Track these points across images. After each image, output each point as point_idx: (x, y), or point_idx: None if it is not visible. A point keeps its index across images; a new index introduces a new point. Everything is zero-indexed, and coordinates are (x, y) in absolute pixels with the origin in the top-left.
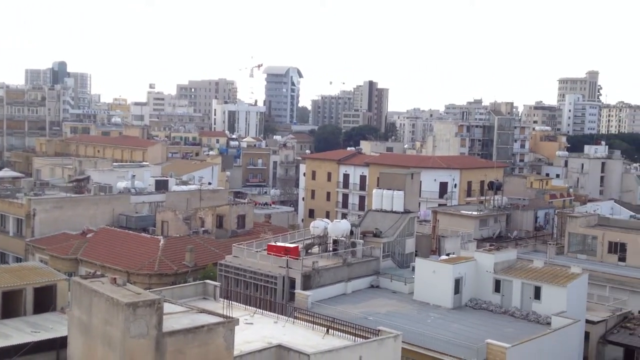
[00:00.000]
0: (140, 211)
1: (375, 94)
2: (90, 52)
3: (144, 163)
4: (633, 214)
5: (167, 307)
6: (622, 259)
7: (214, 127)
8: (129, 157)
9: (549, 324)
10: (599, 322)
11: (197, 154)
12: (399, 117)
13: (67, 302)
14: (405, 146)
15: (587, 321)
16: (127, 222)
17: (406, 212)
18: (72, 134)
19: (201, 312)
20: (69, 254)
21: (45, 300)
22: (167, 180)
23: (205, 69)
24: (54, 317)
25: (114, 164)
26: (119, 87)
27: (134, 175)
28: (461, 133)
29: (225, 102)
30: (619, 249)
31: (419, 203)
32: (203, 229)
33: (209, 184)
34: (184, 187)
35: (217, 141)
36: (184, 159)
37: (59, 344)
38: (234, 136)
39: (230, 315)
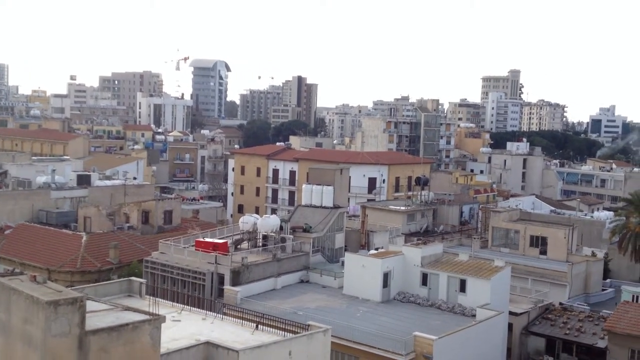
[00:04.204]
0: (62, 207)
1: (304, 89)
2: (7, 42)
3: (65, 157)
4: (553, 209)
5: (90, 305)
6: (543, 252)
7: (139, 121)
8: (48, 150)
9: (474, 316)
10: (521, 313)
11: (121, 148)
12: (328, 113)
13: None
14: (335, 142)
15: (511, 313)
16: (47, 218)
17: (335, 207)
18: None
19: (126, 310)
20: None
21: None
22: (90, 175)
23: (129, 61)
24: None
25: (33, 157)
26: (38, 79)
27: (54, 170)
28: (389, 129)
29: (151, 95)
30: (540, 243)
31: (348, 198)
32: (128, 224)
33: (134, 178)
34: (108, 182)
35: (143, 135)
36: (107, 153)
37: None
38: (160, 130)
39: (157, 313)
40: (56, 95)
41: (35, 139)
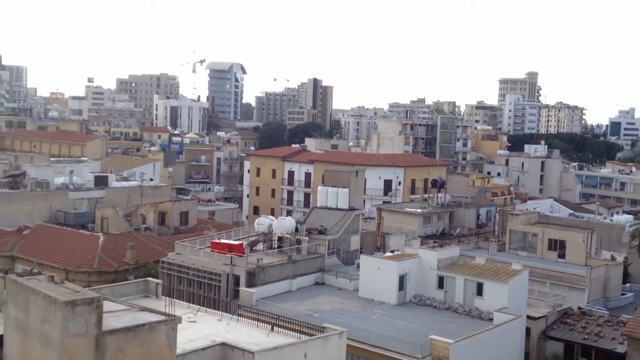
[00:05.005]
0: (79, 208)
1: (319, 92)
2: (26, 45)
3: (83, 158)
4: (572, 212)
5: (107, 306)
6: (562, 255)
7: (156, 123)
8: (66, 152)
9: (491, 319)
10: (539, 317)
11: (138, 150)
12: (343, 115)
13: (2, 300)
14: (350, 144)
15: (528, 317)
16: (65, 218)
17: (351, 209)
18: (8, 128)
19: (142, 310)
20: (4, 251)
21: None
22: (107, 176)
23: (146, 63)
24: None
25: (51, 159)
26: (56, 81)
27: (72, 171)
28: (405, 131)
29: (167, 98)
30: (558, 246)
31: (364, 200)
32: (144, 225)
33: (151, 180)
34: (125, 183)
35: (159, 137)
36: (124, 155)
37: None
38: (176, 132)
39: (173, 314)
40: (74, 98)
41: (53, 140)
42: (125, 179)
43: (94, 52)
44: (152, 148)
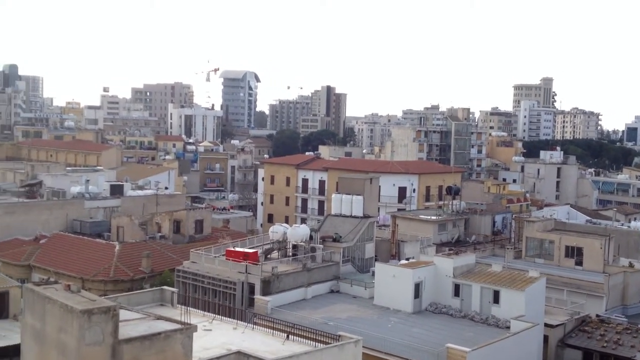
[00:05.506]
0: (95, 216)
1: (333, 99)
2: (42, 55)
3: (98, 167)
4: (589, 218)
5: (123, 314)
6: (579, 263)
7: (170, 132)
8: (82, 161)
9: (508, 327)
10: (557, 325)
11: (153, 159)
12: (357, 122)
13: (20, 309)
14: (364, 151)
15: (546, 325)
16: (81, 227)
17: (365, 216)
18: (24, 138)
19: (158, 319)
20: (21, 260)
21: None
22: (123, 185)
23: (161, 72)
24: (6, 325)
25: (67, 168)
26: (71, 91)
27: (88, 180)
28: (419, 138)
29: (182, 106)
30: (575, 253)
31: (378, 208)
32: (160, 234)
33: (166, 188)
34: (140, 192)
35: (174, 145)
36: (139, 164)
37: (12, 352)
38: (190, 140)
39: (188, 322)
40: (90, 107)
41: (69, 150)
42: (141, 188)
43: (109, 62)
44: (167, 157)
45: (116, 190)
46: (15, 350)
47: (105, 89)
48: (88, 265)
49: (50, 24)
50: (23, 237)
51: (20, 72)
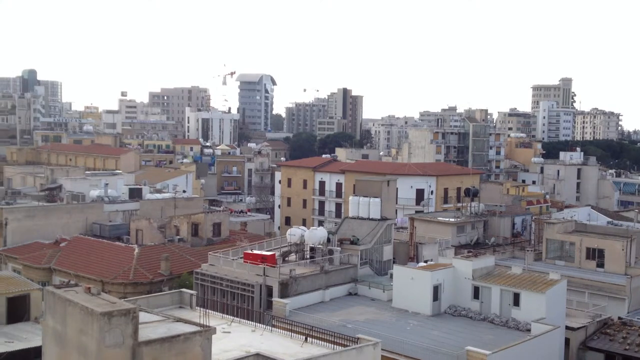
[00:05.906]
0: (114, 220)
1: (349, 101)
2: (60, 60)
3: (117, 171)
4: (610, 220)
5: (143, 316)
6: (601, 265)
7: (188, 135)
8: (101, 165)
9: (528, 330)
10: (578, 328)
11: (170, 162)
12: (373, 124)
13: (41, 311)
14: (381, 153)
15: (567, 327)
16: (100, 230)
17: (383, 219)
18: (44, 142)
19: (177, 321)
20: (42, 263)
21: (18, 310)
22: (141, 189)
23: (178, 76)
24: (27, 327)
25: (87, 172)
26: (90, 95)
27: (107, 184)
28: (436, 140)
29: (199, 110)
30: (597, 255)
31: (396, 210)
32: (178, 237)
33: (184, 192)
34: (158, 195)
35: (191, 149)
36: (157, 167)
37: (33, 354)
38: (208, 144)
39: (207, 324)
40: (108, 111)
41: (88, 153)
42: (159, 191)
43: (127, 67)
44: (185, 160)
45: (135, 194)
46: (36, 352)
47: (123, 93)
48: (108, 268)
49: (69, 29)
50: (43, 241)
51: (39, 78)
